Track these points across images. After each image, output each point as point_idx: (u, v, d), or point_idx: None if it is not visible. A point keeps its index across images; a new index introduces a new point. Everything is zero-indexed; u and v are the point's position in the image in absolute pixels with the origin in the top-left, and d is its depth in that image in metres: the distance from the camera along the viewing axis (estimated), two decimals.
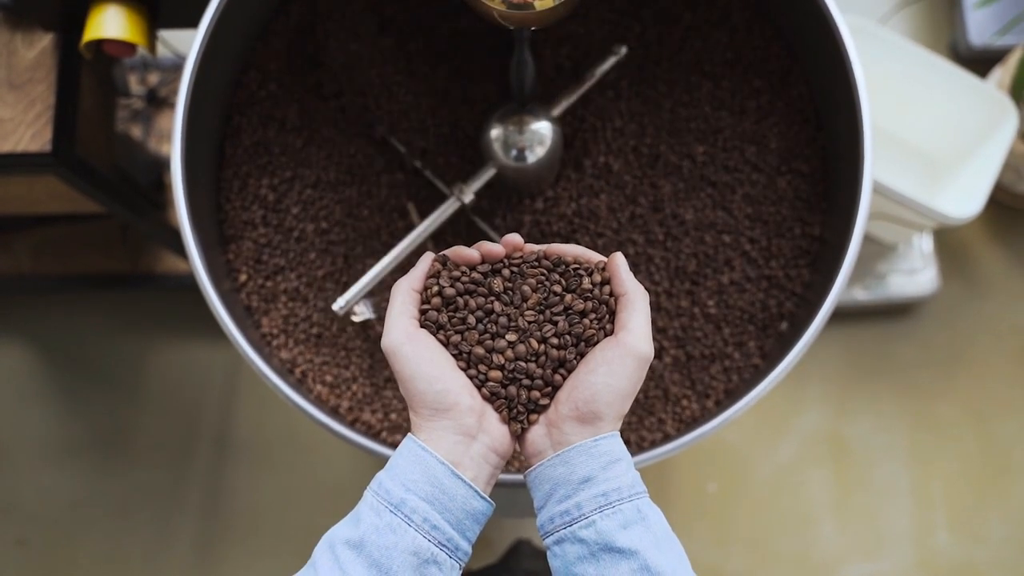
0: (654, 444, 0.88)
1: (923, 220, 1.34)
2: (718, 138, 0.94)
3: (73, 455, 1.54)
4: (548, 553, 0.52)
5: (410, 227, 0.93)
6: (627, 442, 0.87)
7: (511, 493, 0.85)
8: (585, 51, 0.95)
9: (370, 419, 0.90)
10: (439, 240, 0.93)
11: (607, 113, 0.94)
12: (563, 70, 0.95)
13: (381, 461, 0.80)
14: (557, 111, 0.87)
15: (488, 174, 0.86)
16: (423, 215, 0.88)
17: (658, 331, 0.91)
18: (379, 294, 0.90)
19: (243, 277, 0.92)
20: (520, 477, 0.78)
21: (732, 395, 0.89)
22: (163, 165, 1.45)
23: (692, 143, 0.94)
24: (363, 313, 0.88)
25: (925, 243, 1.55)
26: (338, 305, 0.82)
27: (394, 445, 0.86)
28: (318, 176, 0.94)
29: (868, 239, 1.51)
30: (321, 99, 0.95)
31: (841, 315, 1.57)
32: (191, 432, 1.55)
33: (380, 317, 0.89)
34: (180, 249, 1.35)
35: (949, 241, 1.62)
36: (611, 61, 0.89)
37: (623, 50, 0.89)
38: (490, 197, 0.93)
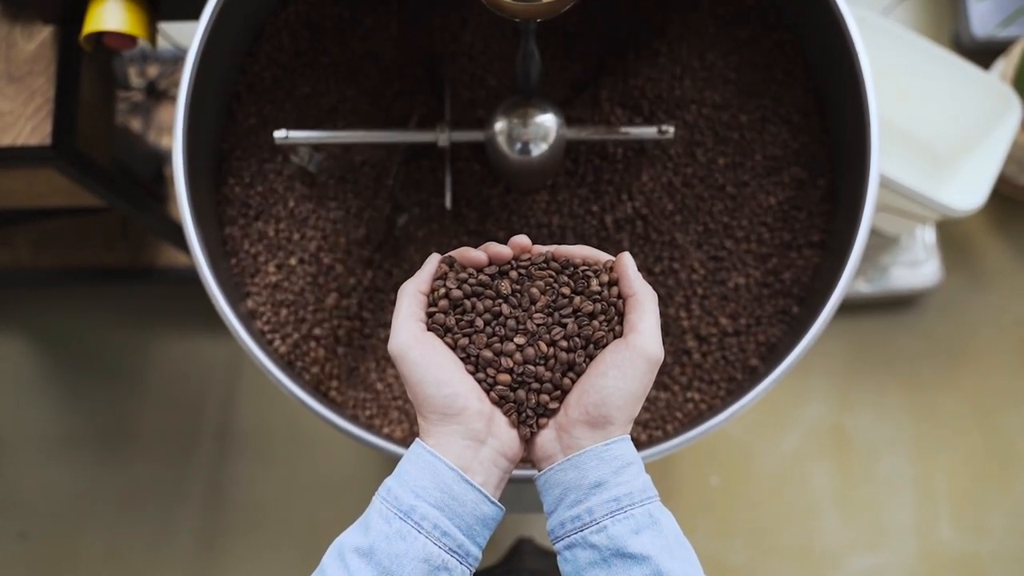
0: (657, 441, 0.87)
1: (926, 212, 1.33)
2: (723, 135, 0.93)
3: (74, 448, 1.54)
4: (559, 558, 0.51)
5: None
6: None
7: (516, 488, 0.84)
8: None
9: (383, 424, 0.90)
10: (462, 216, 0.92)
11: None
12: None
13: (382, 455, 0.79)
14: (572, 134, 0.85)
15: (475, 136, 0.86)
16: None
17: (663, 328, 0.91)
18: (325, 152, 0.91)
19: (244, 267, 0.91)
20: (525, 472, 0.78)
21: (734, 393, 0.88)
22: (162, 158, 1.44)
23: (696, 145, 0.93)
24: (304, 159, 0.88)
25: (928, 235, 1.54)
26: (279, 134, 0.83)
27: (390, 437, 0.86)
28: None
29: (871, 231, 1.50)
30: (326, 89, 0.94)
31: (844, 307, 1.56)
32: (193, 425, 1.54)
33: (320, 170, 0.90)
34: (180, 242, 1.35)
35: (952, 233, 1.62)
36: (651, 132, 0.85)
37: (670, 131, 0.83)
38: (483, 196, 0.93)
